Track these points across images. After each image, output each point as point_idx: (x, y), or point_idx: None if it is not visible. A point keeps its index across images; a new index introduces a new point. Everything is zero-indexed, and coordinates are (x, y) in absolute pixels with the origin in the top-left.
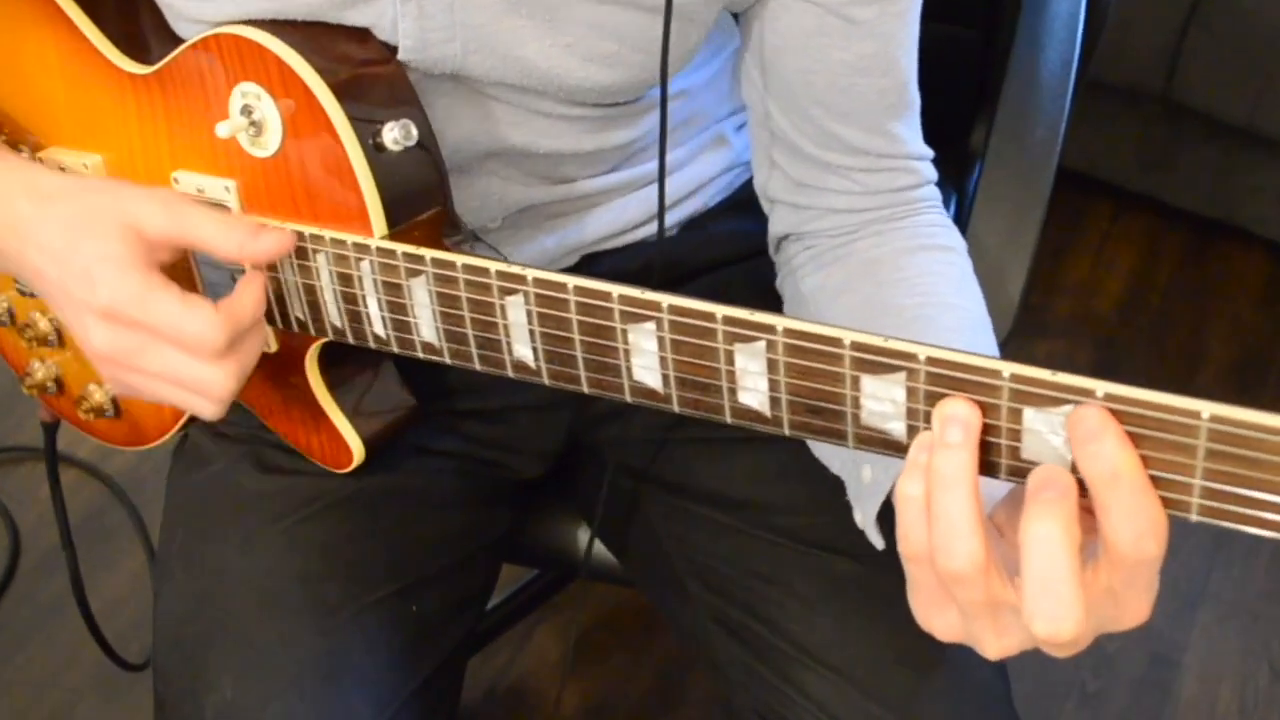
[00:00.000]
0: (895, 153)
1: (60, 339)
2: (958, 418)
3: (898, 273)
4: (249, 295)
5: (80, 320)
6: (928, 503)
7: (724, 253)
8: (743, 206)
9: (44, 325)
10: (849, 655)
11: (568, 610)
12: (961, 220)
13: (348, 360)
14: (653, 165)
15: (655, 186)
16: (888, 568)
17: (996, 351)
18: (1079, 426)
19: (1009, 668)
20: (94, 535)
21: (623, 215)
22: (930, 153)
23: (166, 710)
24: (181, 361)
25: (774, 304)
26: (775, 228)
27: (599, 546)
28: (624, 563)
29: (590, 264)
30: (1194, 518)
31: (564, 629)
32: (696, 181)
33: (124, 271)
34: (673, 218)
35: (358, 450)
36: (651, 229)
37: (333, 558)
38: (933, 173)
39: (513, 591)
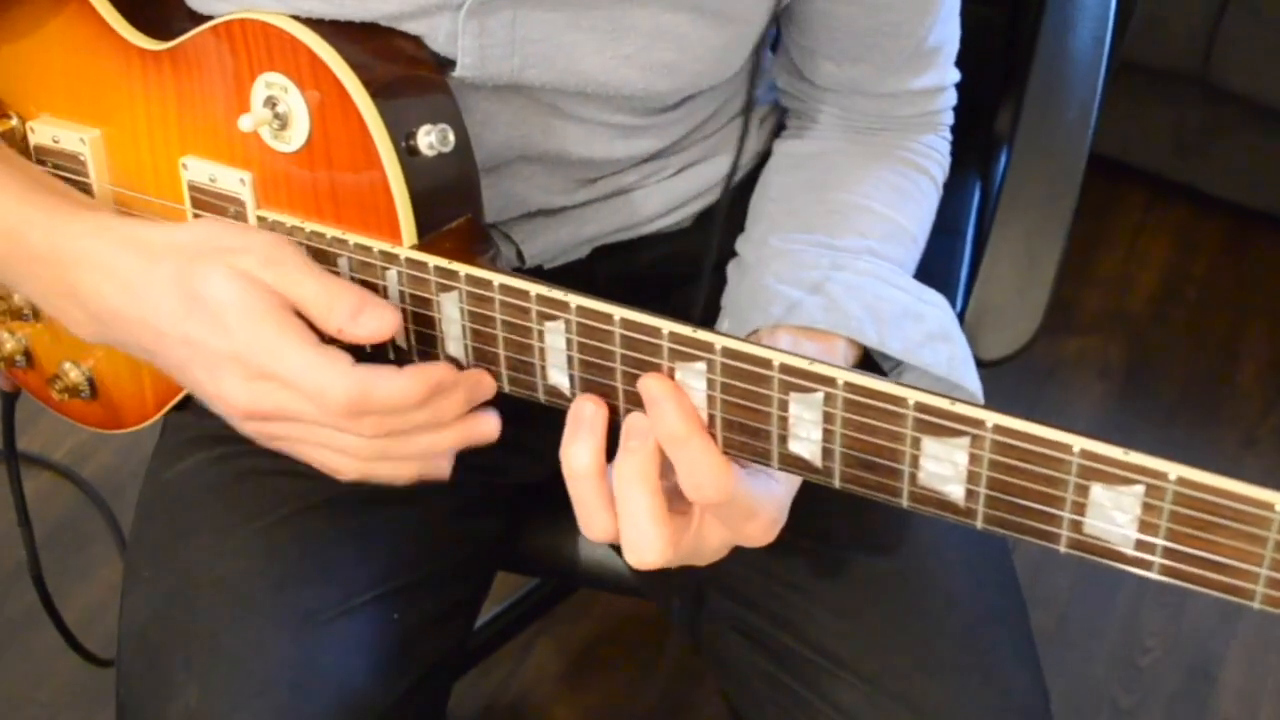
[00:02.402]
0: (902, 89)
1: (35, 314)
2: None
3: (853, 169)
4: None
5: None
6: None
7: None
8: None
9: (18, 299)
10: (883, 664)
11: (569, 621)
12: (988, 210)
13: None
14: (671, 160)
15: (674, 181)
16: (923, 566)
17: (910, 264)
18: (645, 393)
19: None
20: (70, 542)
21: (642, 209)
22: (947, 81)
23: (128, 715)
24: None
25: None
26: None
27: (601, 553)
28: (636, 570)
29: (604, 256)
30: (1256, 605)
31: (565, 641)
32: (716, 176)
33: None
34: (687, 211)
35: None
36: (667, 220)
37: (310, 561)
38: (947, 100)
39: (512, 602)
